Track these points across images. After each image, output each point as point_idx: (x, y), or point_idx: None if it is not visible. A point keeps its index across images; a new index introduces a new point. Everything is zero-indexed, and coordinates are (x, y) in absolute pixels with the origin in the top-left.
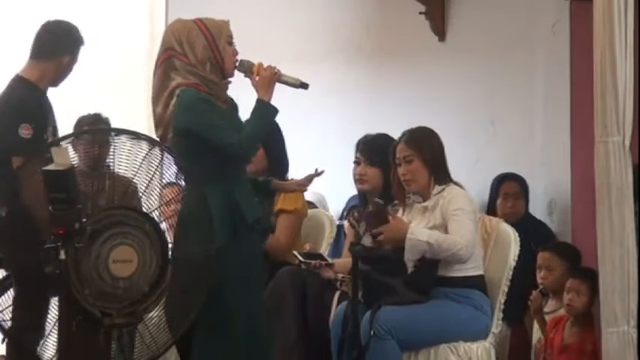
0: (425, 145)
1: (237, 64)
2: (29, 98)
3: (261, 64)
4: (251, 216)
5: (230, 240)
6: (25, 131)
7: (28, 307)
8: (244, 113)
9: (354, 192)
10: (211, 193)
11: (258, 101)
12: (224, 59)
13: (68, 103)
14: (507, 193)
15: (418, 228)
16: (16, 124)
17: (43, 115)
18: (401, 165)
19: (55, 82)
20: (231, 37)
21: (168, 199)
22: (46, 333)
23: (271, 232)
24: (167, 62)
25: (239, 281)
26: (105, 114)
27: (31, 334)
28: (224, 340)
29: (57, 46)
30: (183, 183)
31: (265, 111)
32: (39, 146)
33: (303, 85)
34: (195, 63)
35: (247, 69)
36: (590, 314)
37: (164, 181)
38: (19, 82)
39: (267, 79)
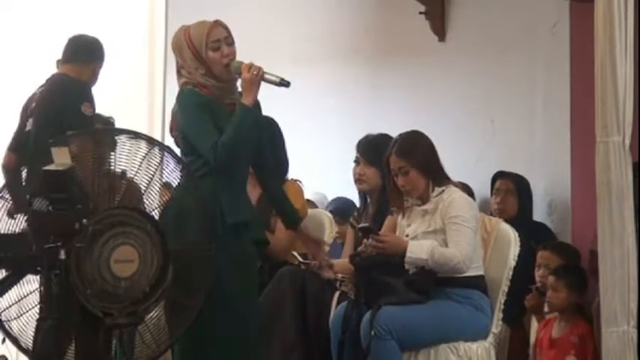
0: (415, 152)
1: (227, 66)
2: (83, 84)
3: (246, 66)
4: (232, 218)
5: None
6: (87, 109)
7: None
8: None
9: (354, 192)
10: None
11: (239, 105)
12: (211, 67)
13: None
14: (498, 189)
15: (416, 244)
16: (78, 101)
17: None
18: (398, 176)
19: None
20: (216, 41)
21: (164, 200)
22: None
23: (266, 244)
24: (178, 72)
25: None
26: (105, 114)
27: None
28: (206, 340)
29: (93, 53)
30: (175, 183)
31: (243, 116)
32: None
33: (284, 83)
34: (193, 71)
35: (236, 70)
36: (576, 309)
37: (163, 180)
38: (62, 75)
39: (248, 81)
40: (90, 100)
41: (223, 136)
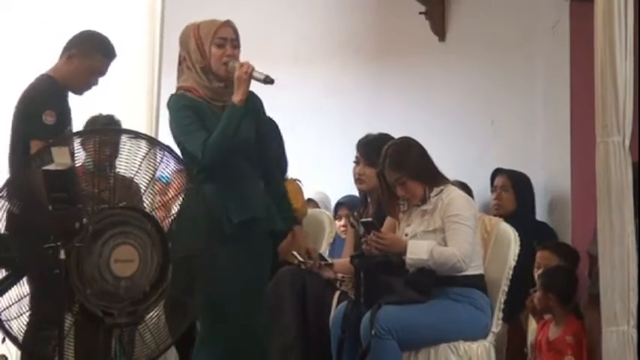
0: (407, 163)
1: (225, 65)
2: (52, 89)
3: (239, 64)
4: (238, 216)
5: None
6: (48, 117)
7: (42, 304)
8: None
9: (354, 192)
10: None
11: (229, 104)
12: (210, 63)
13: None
14: (496, 186)
15: (416, 244)
16: (40, 110)
17: (65, 107)
18: (396, 187)
19: (68, 82)
20: (222, 38)
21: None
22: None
23: (284, 235)
24: (179, 66)
25: (224, 283)
26: (105, 114)
27: (47, 331)
28: (215, 340)
29: (68, 44)
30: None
31: (230, 114)
32: (60, 136)
33: (268, 80)
34: (191, 66)
35: (232, 70)
36: (568, 309)
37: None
38: (42, 76)
39: (237, 78)
40: (53, 107)
41: (211, 137)
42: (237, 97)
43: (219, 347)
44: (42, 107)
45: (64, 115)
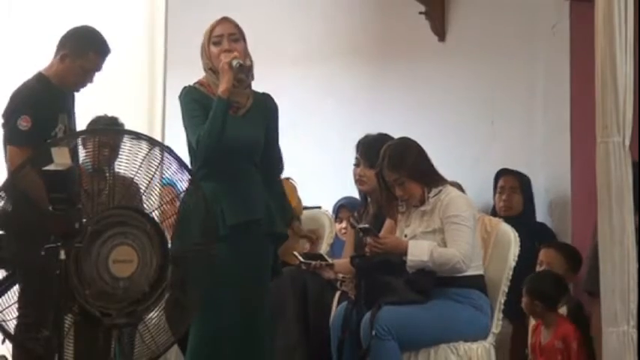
0: (406, 163)
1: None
2: (37, 90)
3: (224, 56)
4: (232, 219)
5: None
6: (23, 122)
7: (33, 304)
8: None
9: (352, 193)
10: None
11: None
12: (213, 61)
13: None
14: (503, 186)
15: (416, 245)
16: (17, 115)
17: (49, 109)
18: (394, 187)
19: (62, 81)
20: (218, 36)
21: (165, 200)
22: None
23: (285, 238)
24: None
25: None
26: (103, 114)
27: (36, 331)
28: (203, 340)
29: (60, 42)
30: (179, 183)
31: (215, 106)
32: (38, 139)
33: (238, 67)
34: (205, 68)
35: (236, 67)
36: (556, 315)
37: (163, 180)
38: (35, 75)
39: (220, 70)
40: (31, 112)
41: (203, 129)
42: (220, 88)
43: (207, 348)
44: (18, 112)
45: (49, 117)
